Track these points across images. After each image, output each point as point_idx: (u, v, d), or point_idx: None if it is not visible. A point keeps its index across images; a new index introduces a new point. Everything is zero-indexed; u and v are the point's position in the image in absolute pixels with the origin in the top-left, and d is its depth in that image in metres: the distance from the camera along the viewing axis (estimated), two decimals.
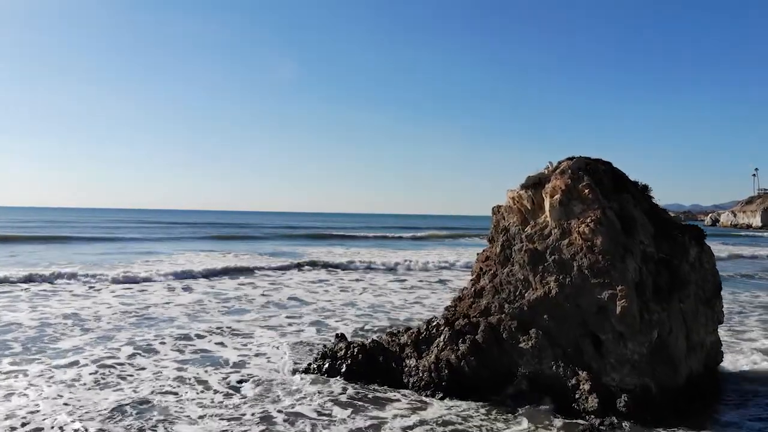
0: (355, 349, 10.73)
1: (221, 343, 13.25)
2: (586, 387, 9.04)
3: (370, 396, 9.62)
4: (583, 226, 9.50)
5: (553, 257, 9.79)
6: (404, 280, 26.11)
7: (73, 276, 23.07)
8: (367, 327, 15.56)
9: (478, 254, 12.23)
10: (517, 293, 10.16)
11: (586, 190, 9.68)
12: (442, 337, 10.28)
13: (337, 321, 16.24)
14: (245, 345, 13.14)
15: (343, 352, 10.77)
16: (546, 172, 10.46)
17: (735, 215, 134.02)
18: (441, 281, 26.23)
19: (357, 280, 25.96)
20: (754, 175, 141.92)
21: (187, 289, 21.87)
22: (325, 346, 11.28)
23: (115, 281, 22.72)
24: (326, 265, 30.40)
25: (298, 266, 29.13)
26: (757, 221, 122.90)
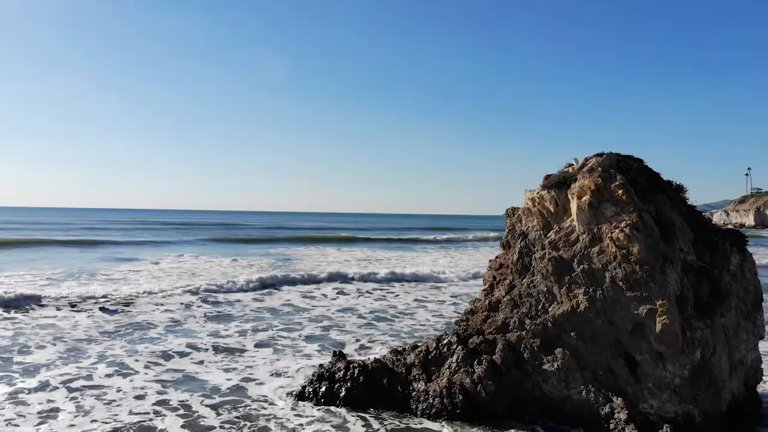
0: (356, 370, 9.55)
1: (208, 362, 12.04)
2: (623, 416, 7.91)
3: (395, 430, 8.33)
4: (617, 231, 8.37)
5: (581, 267, 8.65)
6: (405, 282, 24.94)
7: (54, 291, 21.66)
8: (368, 339, 14.39)
9: (490, 261, 11.09)
10: (540, 307, 9.03)
11: (620, 191, 8.53)
12: (454, 357, 9.14)
13: (336, 333, 15.01)
14: (233, 364, 11.95)
15: (342, 374, 9.58)
16: (571, 170, 9.31)
17: (728, 214, 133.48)
18: (442, 285, 25.09)
19: (353, 282, 24.72)
20: (747, 174, 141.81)
21: (173, 298, 20.54)
22: (321, 365, 10.09)
23: (98, 295, 21.38)
24: (328, 274, 27.25)
25: (293, 280, 25.98)
26: (750, 220, 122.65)
